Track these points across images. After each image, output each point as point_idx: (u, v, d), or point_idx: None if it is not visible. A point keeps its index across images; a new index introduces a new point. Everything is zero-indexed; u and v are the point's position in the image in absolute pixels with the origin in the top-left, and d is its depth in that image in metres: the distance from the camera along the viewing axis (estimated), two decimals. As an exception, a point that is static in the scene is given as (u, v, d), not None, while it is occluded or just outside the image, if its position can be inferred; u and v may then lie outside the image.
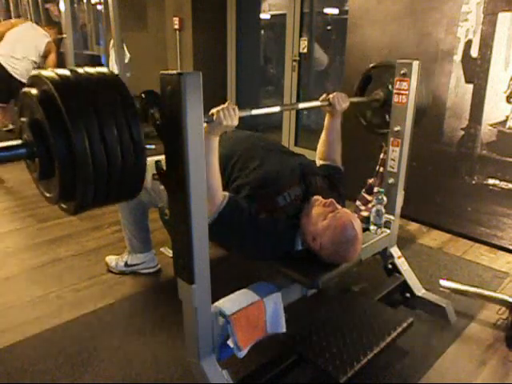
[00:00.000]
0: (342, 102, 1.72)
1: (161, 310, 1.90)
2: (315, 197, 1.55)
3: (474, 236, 2.65)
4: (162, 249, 2.41)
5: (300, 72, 4.31)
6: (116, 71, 4.17)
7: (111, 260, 2.22)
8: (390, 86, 1.85)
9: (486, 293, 1.92)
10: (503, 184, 2.49)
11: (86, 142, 0.90)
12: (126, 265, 2.17)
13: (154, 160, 1.16)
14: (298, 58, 4.23)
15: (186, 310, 1.27)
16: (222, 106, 1.30)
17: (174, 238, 1.22)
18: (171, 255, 1.26)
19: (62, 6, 3.51)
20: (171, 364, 1.59)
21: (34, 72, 0.98)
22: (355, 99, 1.92)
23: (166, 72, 1.04)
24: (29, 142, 0.95)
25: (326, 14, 4.52)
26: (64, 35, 3.62)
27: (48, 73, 0.94)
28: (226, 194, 1.45)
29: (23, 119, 0.98)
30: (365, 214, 2.08)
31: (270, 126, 5.15)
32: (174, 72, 1.01)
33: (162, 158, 1.16)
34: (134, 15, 5.98)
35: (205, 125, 1.15)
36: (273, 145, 1.81)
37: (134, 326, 1.82)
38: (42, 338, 1.73)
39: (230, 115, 1.29)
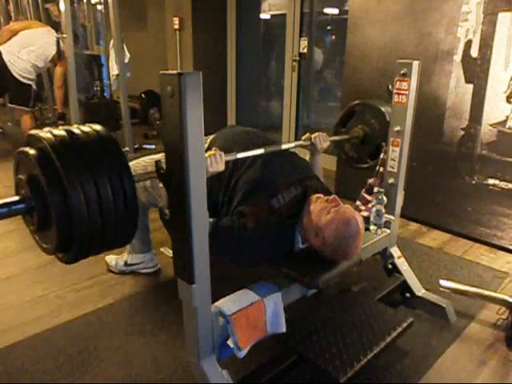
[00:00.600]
0: (323, 141, 1.79)
1: (161, 310, 1.91)
2: (316, 195, 1.55)
3: (473, 236, 2.65)
4: (162, 249, 2.41)
5: (300, 72, 4.31)
6: (116, 71, 4.17)
7: (111, 260, 2.22)
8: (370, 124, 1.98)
9: (486, 293, 1.92)
10: (503, 184, 2.49)
11: (81, 197, 0.96)
12: (126, 264, 2.17)
13: (154, 159, 1.16)
14: (297, 58, 4.23)
15: (186, 310, 1.27)
16: (209, 153, 1.35)
17: (174, 238, 1.22)
18: (171, 255, 1.26)
19: (62, 6, 3.50)
20: (171, 364, 1.60)
21: (31, 132, 1.03)
22: (336, 138, 2.03)
23: (166, 72, 1.04)
24: (26, 197, 1.01)
25: (326, 14, 4.52)
26: (64, 35, 3.63)
27: (44, 133, 1.00)
28: (210, 220, 1.43)
29: (20, 176, 1.03)
30: (365, 214, 2.07)
31: (271, 125, 5.16)
32: (174, 72, 1.01)
33: (160, 156, 1.16)
34: (134, 15, 5.99)
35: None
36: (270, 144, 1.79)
37: (134, 326, 1.82)
38: (42, 338, 1.73)
39: (216, 161, 1.36)
